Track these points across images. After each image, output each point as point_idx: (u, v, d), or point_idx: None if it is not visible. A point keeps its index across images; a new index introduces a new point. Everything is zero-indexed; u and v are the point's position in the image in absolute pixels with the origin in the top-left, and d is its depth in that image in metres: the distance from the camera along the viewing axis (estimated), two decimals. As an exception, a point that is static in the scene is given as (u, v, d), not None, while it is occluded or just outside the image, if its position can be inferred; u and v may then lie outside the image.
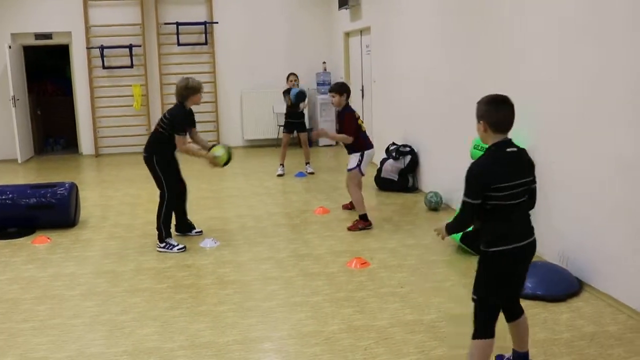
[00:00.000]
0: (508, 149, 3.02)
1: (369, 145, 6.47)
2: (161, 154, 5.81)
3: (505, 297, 3.20)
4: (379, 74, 9.89)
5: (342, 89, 6.44)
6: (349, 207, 7.12)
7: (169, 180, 5.88)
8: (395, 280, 4.99)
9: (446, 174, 7.25)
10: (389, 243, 5.97)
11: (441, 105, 7.31)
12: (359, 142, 6.35)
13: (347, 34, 11.81)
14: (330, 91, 6.51)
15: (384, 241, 6.05)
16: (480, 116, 3.04)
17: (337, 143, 11.77)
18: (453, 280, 4.99)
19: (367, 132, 6.56)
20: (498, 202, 2.97)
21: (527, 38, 5.34)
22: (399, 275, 5.12)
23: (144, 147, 5.95)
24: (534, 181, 3.14)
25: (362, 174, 6.45)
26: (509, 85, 5.63)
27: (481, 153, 5.61)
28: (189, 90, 5.76)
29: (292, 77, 9.71)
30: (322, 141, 12.62)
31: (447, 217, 6.49)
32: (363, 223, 6.39)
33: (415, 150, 8.23)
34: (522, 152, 3.08)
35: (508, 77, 5.67)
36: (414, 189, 8.23)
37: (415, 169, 8.24)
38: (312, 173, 9.62)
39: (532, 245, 3.12)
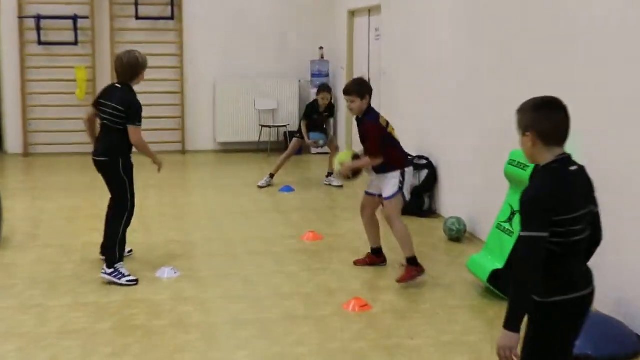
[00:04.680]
0: (571, 168, 3.03)
1: (408, 160, 6.14)
2: (127, 157, 5.94)
3: None
4: (390, 64, 9.91)
5: (362, 89, 5.85)
6: (367, 262, 6.36)
7: (132, 189, 6.00)
8: (404, 330, 4.97)
9: (472, 195, 7.26)
10: (398, 281, 5.97)
11: (471, 108, 7.32)
12: (395, 157, 5.89)
13: (352, 13, 11.85)
14: (346, 93, 5.90)
15: (390, 278, 6.02)
16: (527, 126, 3.03)
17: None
18: (479, 332, 4.97)
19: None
20: (561, 239, 2.95)
21: (595, 21, 5.32)
22: (408, 323, 5.10)
23: (98, 148, 5.94)
24: (597, 206, 3.14)
25: (406, 201, 6.03)
26: (571, 87, 5.61)
27: (519, 170, 5.58)
28: (140, 67, 5.92)
29: (326, 94, 9.76)
30: (317, 149, 12.62)
31: (474, 250, 6.52)
32: (415, 270, 5.81)
33: (434, 163, 8.23)
34: (583, 171, 3.10)
35: (570, 73, 5.59)
36: (431, 212, 8.21)
37: (433, 187, 8.23)
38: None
39: (593, 296, 3.11)
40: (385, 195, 5.89)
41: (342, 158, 6.12)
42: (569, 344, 3.14)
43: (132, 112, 5.79)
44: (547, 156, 3.01)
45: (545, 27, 5.86)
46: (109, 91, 6.04)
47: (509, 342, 2.85)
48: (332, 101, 10.10)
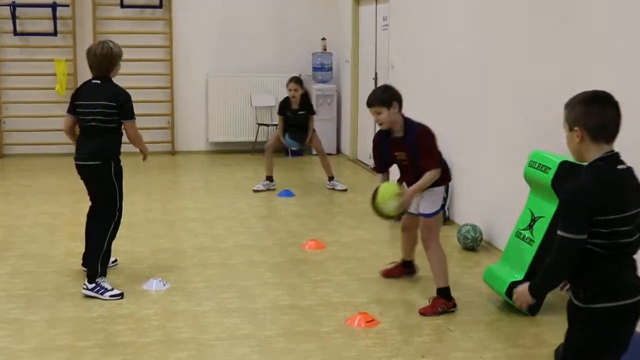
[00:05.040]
0: (619, 166, 3.09)
1: (450, 172, 5.97)
2: (118, 161, 5.99)
3: None
4: (399, 58, 9.93)
5: (387, 97, 5.49)
6: (397, 272, 6.29)
7: (122, 197, 6.06)
8: (414, 347, 4.98)
9: (489, 200, 7.28)
10: (408, 293, 5.98)
11: (488, 106, 7.34)
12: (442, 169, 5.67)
13: (357, 1, 11.88)
14: (369, 106, 5.56)
15: (401, 290, 6.05)
16: (575, 120, 3.09)
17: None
18: (495, 349, 4.97)
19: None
20: (605, 241, 3.02)
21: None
22: (419, 339, 5.11)
23: (85, 152, 5.89)
24: None
25: (446, 219, 5.83)
26: (601, 83, 5.59)
27: (540, 173, 5.58)
28: (115, 57, 5.94)
29: (293, 84, 9.70)
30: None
31: (490, 260, 6.52)
32: (444, 303, 5.57)
33: (448, 166, 8.23)
34: (631, 171, 3.15)
35: (599, 70, 5.56)
36: (444, 219, 8.21)
37: (447, 191, 8.23)
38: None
39: None
40: (424, 211, 5.64)
41: (394, 189, 5.56)
42: (614, 356, 3.17)
43: (126, 106, 5.83)
44: (594, 153, 3.07)
45: (572, 19, 5.89)
46: (88, 90, 5.96)
47: (524, 298, 3.26)
48: (307, 95, 10.00)
